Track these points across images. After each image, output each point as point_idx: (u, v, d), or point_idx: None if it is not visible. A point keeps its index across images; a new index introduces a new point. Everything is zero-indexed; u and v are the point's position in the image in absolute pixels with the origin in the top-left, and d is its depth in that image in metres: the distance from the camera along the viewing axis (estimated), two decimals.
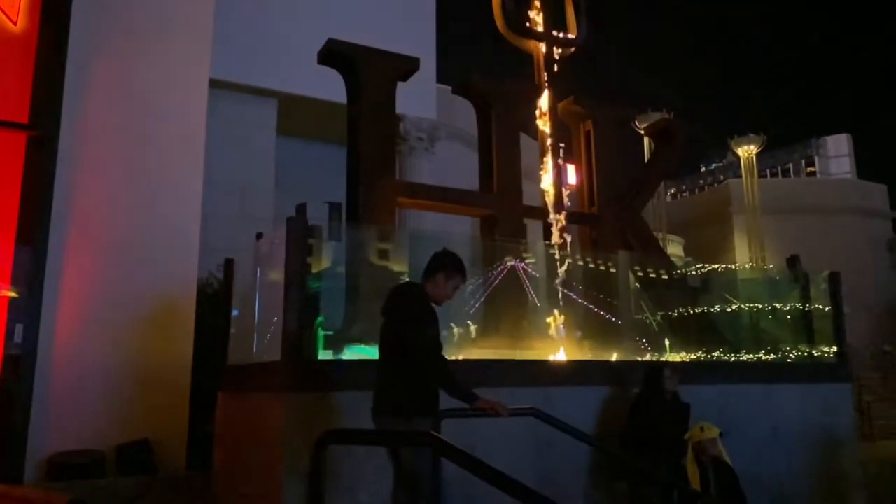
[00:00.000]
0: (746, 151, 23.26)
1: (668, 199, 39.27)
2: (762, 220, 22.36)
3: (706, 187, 51.03)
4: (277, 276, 5.12)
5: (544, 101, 7.35)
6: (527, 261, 6.86)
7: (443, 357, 3.90)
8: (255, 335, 6.06)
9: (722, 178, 51.65)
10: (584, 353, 6.64)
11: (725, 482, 4.84)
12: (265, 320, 5.90)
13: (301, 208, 5.03)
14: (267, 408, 4.89)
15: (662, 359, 6.84)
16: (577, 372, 5.87)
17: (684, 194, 55.93)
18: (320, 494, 2.04)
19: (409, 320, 3.85)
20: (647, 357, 6.76)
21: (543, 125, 7.29)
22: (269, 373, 4.97)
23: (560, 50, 7.65)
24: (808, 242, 19.65)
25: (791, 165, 66.88)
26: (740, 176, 24.20)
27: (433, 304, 4.03)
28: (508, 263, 6.62)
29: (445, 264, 4.09)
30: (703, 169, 72.92)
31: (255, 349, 5.97)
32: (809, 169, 64.96)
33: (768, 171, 60.29)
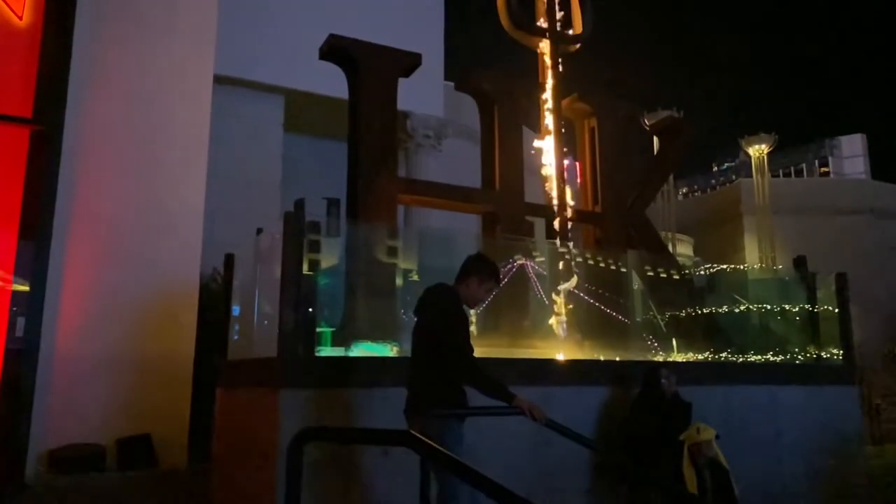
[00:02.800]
0: (757, 151, 23.07)
1: (680, 198, 39.08)
2: (773, 220, 22.18)
3: (718, 187, 50.66)
4: (277, 271, 5.11)
5: (548, 98, 7.28)
6: (536, 259, 6.83)
7: (474, 358, 3.89)
8: (255, 330, 6.07)
9: (734, 177, 51.26)
10: (587, 353, 6.59)
11: (720, 485, 4.78)
12: (264, 315, 5.91)
13: (300, 204, 5.00)
14: (263, 404, 4.87)
15: (668, 359, 6.79)
16: (577, 371, 5.82)
17: (696, 194, 55.59)
18: (297, 492, 2.02)
19: (442, 322, 3.85)
20: (651, 357, 6.70)
21: (547, 122, 7.23)
22: (266, 368, 4.96)
23: (565, 47, 7.58)
24: (820, 243, 19.46)
25: (804, 166, 66.29)
26: (752, 176, 23.99)
27: (465, 307, 4.03)
28: (518, 262, 6.58)
29: (479, 269, 4.09)
30: (715, 168, 72.44)
31: (254, 344, 5.97)
32: (823, 169, 64.34)
33: (781, 172, 59.78)
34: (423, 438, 1.96)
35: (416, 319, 4.08)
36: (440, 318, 3.87)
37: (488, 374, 3.82)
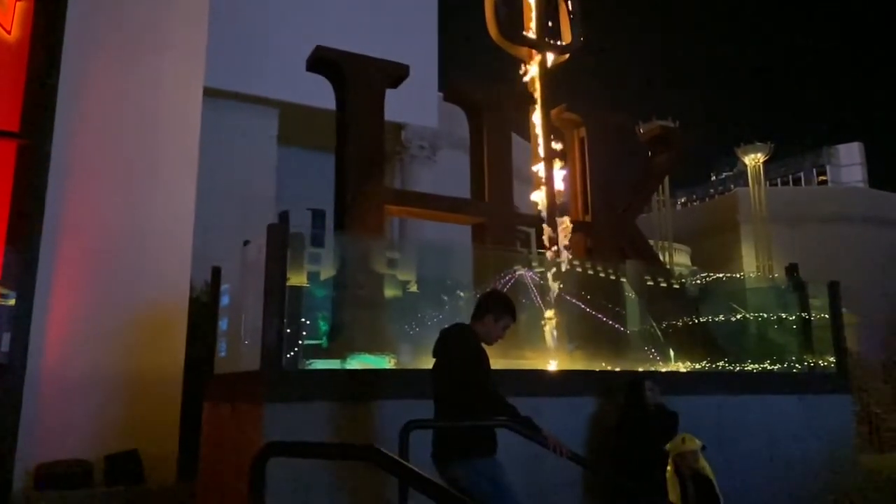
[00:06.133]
0: (753, 160, 23.06)
1: (678, 207, 39.09)
2: (770, 228, 22.13)
3: (716, 196, 50.67)
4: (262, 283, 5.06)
5: (537, 109, 7.27)
6: (526, 269, 6.80)
7: (498, 395, 3.92)
8: (241, 343, 6.02)
9: (732, 186, 51.30)
10: (577, 364, 6.53)
11: (705, 496, 4.71)
12: (251, 328, 5.86)
13: (283, 216, 4.98)
14: (248, 418, 4.83)
15: (661, 369, 6.73)
16: (566, 382, 5.77)
17: (694, 203, 55.65)
18: None
19: (462, 363, 3.87)
20: (645, 367, 6.64)
21: (536, 133, 7.22)
22: (249, 382, 4.91)
23: (554, 57, 7.58)
24: (818, 252, 19.43)
25: (802, 174, 66.42)
26: (749, 184, 23.96)
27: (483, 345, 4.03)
28: (515, 274, 6.55)
29: (494, 306, 4.10)
30: (714, 178, 72.61)
31: (241, 357, 5.92)
32: (821, 178, 64.49)
33: (779, 180, 59.92)
34: (389, 454, 1.92)
35: (434, 360, 4.07)
36: (460, 361, 3.88)
37: (515, 412, 3.88)
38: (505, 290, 6.30)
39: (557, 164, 7.28)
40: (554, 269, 6.94)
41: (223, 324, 6.50)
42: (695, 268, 20.24)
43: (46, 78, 7.09)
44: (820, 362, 7.46)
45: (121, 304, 7.33)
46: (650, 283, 7.25)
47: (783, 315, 7.71)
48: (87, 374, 7.02)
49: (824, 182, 62.06)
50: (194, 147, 8.16)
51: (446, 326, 4.17)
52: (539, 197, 7.19)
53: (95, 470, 6.76)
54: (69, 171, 7.32)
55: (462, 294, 6.72)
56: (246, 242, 6.16)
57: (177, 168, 8.01)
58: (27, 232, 6.80)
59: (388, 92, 6.55)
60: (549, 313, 6.81)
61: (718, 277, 8.72)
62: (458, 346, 3.93)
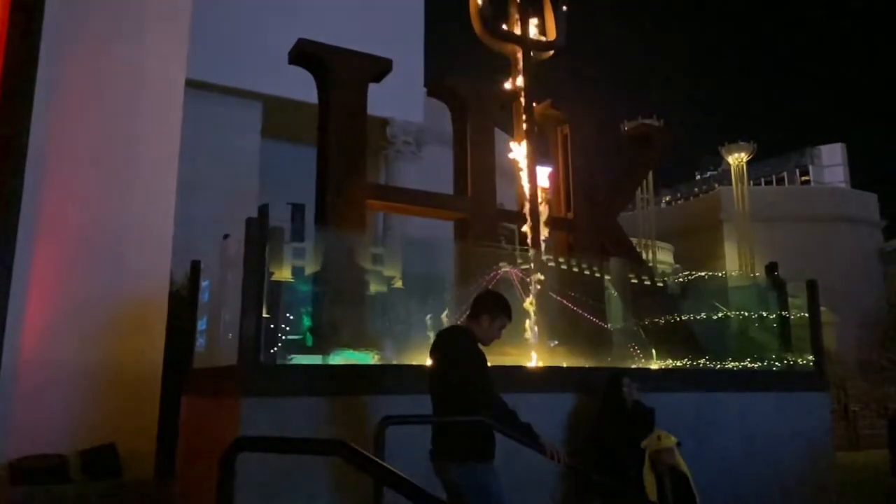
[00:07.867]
0: (737, 159, 23.23)
1: (663, 206, 39.33)
2: (752, 227, 22.32)
3: (700, 195, 51.01)
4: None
5: (521, 105, 7.26)
6: (508, 266, 6.80)
7: (499, 399, 3.89)
8: (221, 337, 5.98)
9: (716, 186, 51.70)
10: (558, 360, 6.54)
11: (681, 492, 4.75)
12: (230, 323, 5.81)
13: (263, 209, 4.94)
14: (225, 412, 4.79)
15: (641, 366, 6.76)
16: (546, 378, 5.78)
17: (679, 202, 55.97)
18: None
19: (461, 368, 3.82)
20: (626, 364, 6.67)
21: (520, 129, 7.21)
22: (227, 376, 4.87)
23: (538, 53, 7.57)
24: (799, 251, 19.62)
25: (785, 174, 67.02)
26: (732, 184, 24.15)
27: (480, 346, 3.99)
28: (501, 269, 6.55)
29: (490, 306, 4.05)
30: (698, 177, 73.10)
31: (221, 351, 5.88)
32: (804, 178, 65.10)
33: (763, 180, 60.39)
34: (359, 450, 1.91)
35: (429, 361, 4.03)
36: (459, 363, 3.83)
37: (515, 418, 3.87)
38: (489, 286, 6.29)
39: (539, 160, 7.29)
40: (536, 266, 6.94)
41: (203, 318, 6.45)
42: (677, 266, 20.37)
43: (24, 69, 6.99)
44: (798, 360, 7.53)
45: (99, 297, 7.26)
46: (633, 280, 7.28)
47: (763, 313, 7.77)
48: (64, 367, 6.94)
49: (807, 182, 62.66)
50: (176, 139, 8.09)
51: (443, 328, 4.15)
52: (523, 192, 7.20)
53: (72, 464, 6.69)
54: (47, 164, 7.22)
55: (445, 290, 6.71)
56: (226, 236, 6.11)
57: (158, 160, 7.93)
58: (4, 224, 6.70)
59: (374, 87, 6.52)
60: (530, 308, 6.82)
61: (700, 276, 8.77)
62: (457, 349, 3.89)
